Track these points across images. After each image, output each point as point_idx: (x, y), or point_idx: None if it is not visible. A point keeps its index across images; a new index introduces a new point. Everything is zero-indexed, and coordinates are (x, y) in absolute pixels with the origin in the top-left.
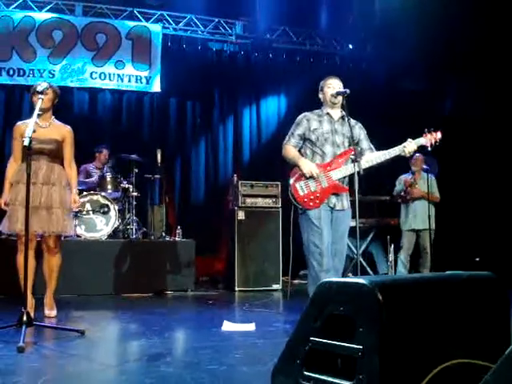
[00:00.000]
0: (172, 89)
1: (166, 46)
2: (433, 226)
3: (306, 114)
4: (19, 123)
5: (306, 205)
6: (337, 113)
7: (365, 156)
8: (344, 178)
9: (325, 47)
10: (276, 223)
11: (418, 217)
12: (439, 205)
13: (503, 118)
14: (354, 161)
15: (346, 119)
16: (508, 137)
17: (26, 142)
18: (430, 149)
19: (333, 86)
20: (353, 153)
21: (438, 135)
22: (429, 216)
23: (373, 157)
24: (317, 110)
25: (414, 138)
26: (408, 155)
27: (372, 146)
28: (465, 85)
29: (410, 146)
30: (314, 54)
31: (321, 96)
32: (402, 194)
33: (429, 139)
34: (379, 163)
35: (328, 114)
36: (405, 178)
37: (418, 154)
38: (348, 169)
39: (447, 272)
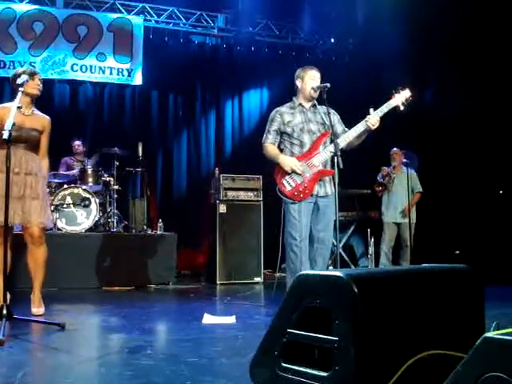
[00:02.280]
0: (154, 82)
1: (148, 39)
2: (413, 219)
3: (278, 108)
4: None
5: (296, 198)
6: (308, 102)
7: (340, 137)
8: (325, 161)
9: (307, 41)
10: (257, 216)
11: (399, 210)
12: (420, 197)
13: (485, 110)
14: (334, 154)
15: (319, 107)
16: (489, 130)
17: (6, 136)
18: (402, 108)
19: (316, 79)
20: (331, 133)
21: (407, 92)
22: (409, 210)
23: (345, 135)
24: (288, 103)
25: (396, 132)
26: (373, 128)
27: (347, 130)
28: (446, 77)
29: (372, 118)
30: (297, 47)
31: (298, 84)
32: (376, 184)
33: (399, 100)
34: (351, 141)
35: (300, 104)
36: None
37: (395, 149)
38: (327, 152)
39: (423, 264)
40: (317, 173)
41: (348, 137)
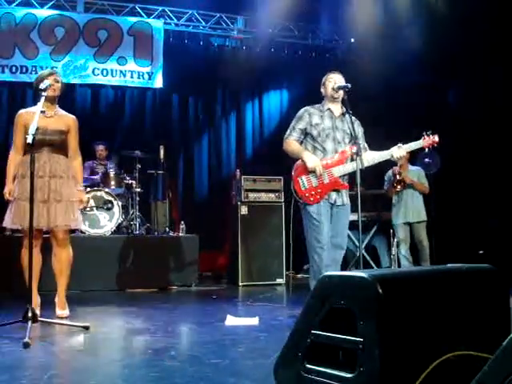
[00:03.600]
0: (174, 84)
1: (168, 42)
2: (425, 218)
3: (308, 108)
4: (21, 111)
5: (306, 199)
6: (337, 109)
7: (365, 160)
8: (344, 175)
9: (327, 41)
10: (279, 218)
11: (410, 209)
12: (443, 197)
13: (506, 110)
14: (356, 154)
15: (347, 115)
16: (510, 129)
17: (30, 140)
18: (426, 150)
19: (334, 81)
20: (355, 149)
21: (436, 138)
22: (427, 208)
23: (369, 158)
24: (317, 105)
25: (415, 133)
26: (396, 160)
27: (366, 146)
28: (469, 78)
29: (397, 152)
30: (316, 48)
31: (322, 90)
32: (394, 183)
33: (427, 142)
34: (372, 165)
35: (329, 109)
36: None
37: None
38: (349, 167)
39: (447, 265)
40: (333, 182)
41: (373, 161)
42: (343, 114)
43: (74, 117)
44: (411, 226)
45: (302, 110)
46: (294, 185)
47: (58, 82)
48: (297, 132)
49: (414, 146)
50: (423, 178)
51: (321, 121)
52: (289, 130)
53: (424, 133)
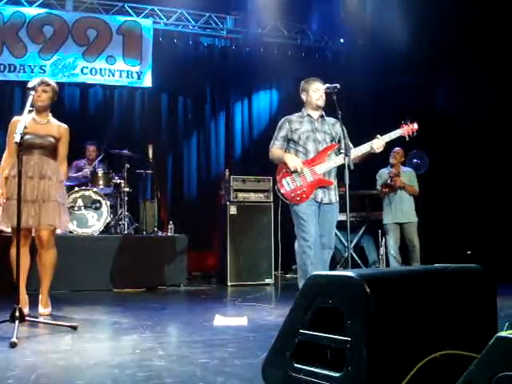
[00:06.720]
0: (163, 84)
1: (157, 41)
2: (415, 218)
3: (287, 117)
4: (15, 118)
5: (293, 200)
6: (317, 113)
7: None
8: (328, 171)
9: (316, 41)
10: (268, 218)
11: (400, 210)
12: (431, 197)
13: (496, 109)
14: (345, 154)
15: (327, 118)
16: (500, 129)
17: (17, 139)
18: (407, 139)
19: (320, 92)
20: (338, 147)
21: (415, 126)
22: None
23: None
24: (297, 113)
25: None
26: (377, 151)
27: (350, 144)
28: (456, 78)
29: (376, 142)
30: (306, 48)
31: (303, 97)
32: (388, 182)
33: (406, 130)
34: (353, 158)
35: (308, 115)
36: (387, 171)
37: (397, 148)
38: (331, 162)
39: (435, 265)
40: (317, 180)
41: (353, 153)
42: (322, 117)
43: (66, 126)
44: (402, 226)
45: (282, 119)
46: (280, 187)
47: (46, 92)
48: (279, 140)
49: (393, 135)
50: (414, 179)
51: (300, 125)
52: (272, 140)
53: (403, 121)
